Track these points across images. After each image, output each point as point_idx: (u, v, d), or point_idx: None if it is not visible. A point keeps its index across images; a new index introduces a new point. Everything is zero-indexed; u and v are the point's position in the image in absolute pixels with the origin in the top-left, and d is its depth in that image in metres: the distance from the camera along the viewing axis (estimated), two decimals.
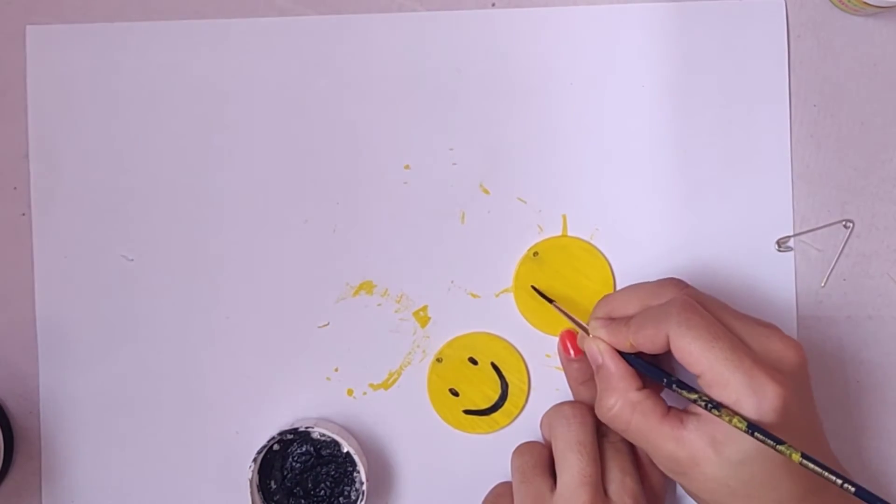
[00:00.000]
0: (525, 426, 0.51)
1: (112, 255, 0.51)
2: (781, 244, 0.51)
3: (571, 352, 0.50)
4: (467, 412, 0.51)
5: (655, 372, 0.44)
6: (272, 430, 0.49)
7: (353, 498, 0.49)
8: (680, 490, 0.51)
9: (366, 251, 0.51)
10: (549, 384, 0.51)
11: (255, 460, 0.48)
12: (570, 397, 0.50)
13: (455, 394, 0.51)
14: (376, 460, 0.51)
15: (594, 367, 0.46)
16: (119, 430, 0.51)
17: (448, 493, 0.51)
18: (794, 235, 0.51)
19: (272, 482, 0.49)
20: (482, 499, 0.49)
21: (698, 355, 0.41)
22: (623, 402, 0.43)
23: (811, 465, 0.38)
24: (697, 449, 0.41)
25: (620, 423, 0.44)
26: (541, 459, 0.47)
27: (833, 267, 0.51)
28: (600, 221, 0.52)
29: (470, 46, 0.51)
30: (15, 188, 0.51)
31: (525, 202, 0.52)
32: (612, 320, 0.46)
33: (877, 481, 0.52)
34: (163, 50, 0.51)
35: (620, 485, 0.45)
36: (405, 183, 0.52)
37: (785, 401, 0.40)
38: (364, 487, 0.48)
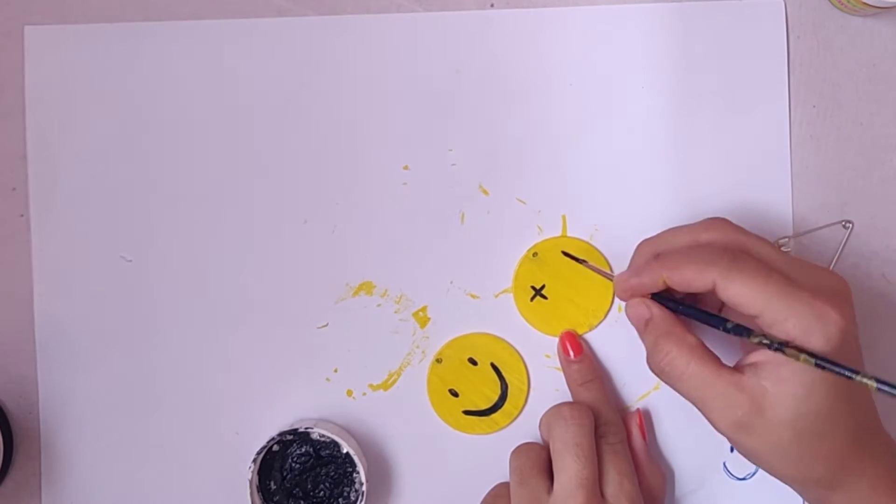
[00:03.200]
0: (524, 427, 0.51)
1: (111, 256, 0.51)
2: (781, 244, 0.51)
3: (571, 353, 0.50)
4: (467, 413, 0.51)
5: (708, 317, 0.43)
6: (272, 431, 0.49)
7: (353, 499, 0.49)
8: (679, 491, 0.51)
9: (365, 251, 0.51)
10: (548, 385, 0.51)
11: (254, 461, 0.48)
12: (570, 398, 0.50)
13: (455, 394, 0.51)
14: (376, 461, 0.51)
15: (641, 325, 0.44)
16: (119, 431, 0.51)
17: (448, 493, 0.51)
18: (794, 235, 0.51)
19: (272, 483, 0.49)
20: (481, 499, 0.49)
21: (754, 294, 0.40)
22: (680, 347, 0.42)
23: (887, 389, 0.37)
24: (760, 392, 0.40)
25: (676, 370, 0.42)
26: (538, 461, 0.47)
27: (833, 267, 0.51)
28: (600, 221, 0.52)
29: (469, 47, 0.51)
30: (13, 189, 0.51)
31: (524, 203, 0.52)
32: (642, 263, 0.45)
33: None
34: (162, 50, 0.51)
35: (617, 487, 0.45)
36: (404, 183, 0.51)
37: (847, 326, 0.39)
38: (364, 488, 0.48)
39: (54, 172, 0.51)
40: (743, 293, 0.40)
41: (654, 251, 0.45)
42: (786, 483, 0.42)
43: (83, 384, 0.51)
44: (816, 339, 0.39)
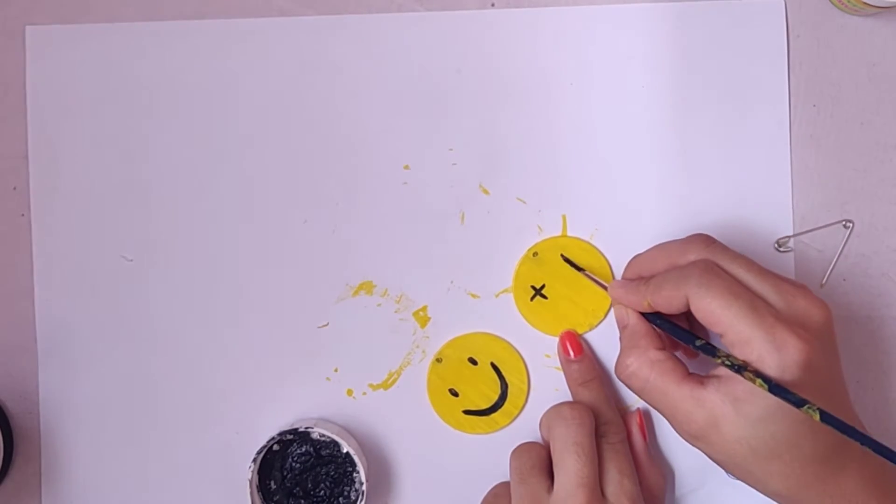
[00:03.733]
0: (524, 426, 0.51)
1: (112, 256, 0.51)
2: (781, 244, 0.51)
3: (571, 353, 0.50)
4: (467, 412, 0.51)
5: (679, 333, 0.44)
6: (272, 430, 0.49)
7: (353, 498, 0.49)
8: (679, 490, 0.51)
9: (365, 251, 0.51)
10: (548, 384, 0.51)
11: (254, 460, 0.48)
12: (570, 397, 0.50)
13: (455, 394, 0.51)
14: (376, 460, 0.51)
15: (620, 330, 0.46)
16: (119, 431, 0.51)
17: (448, 493, 0.51)
18: (794, 235, 0.51)
19: (272, 482, 0.49)
20: (481, 499, 0.49)
21: (719, 314, 0.41)
22: (642, 360, 0.44)
23: (831, 424, 0.38)
24: (717, 407, 0.41)
25: (638, 381, 0.44)
26: (538, 460, 0.47)
27: (833, 267, 0.51)
28: (600, 221, 0.52)
29: (470, 47, 0.51)
30: (14, 188, 0.51)
31: (525, 202, 0.52)
32: (634, 281, 0.46)
33: None
34: (162, 50, 0.51)
35: (618, 486, 0.45)
36: (405, 183, 0.51)
37: (808, 357, 0.39)
38: (364, 488, 0.48)
39: (55, 172, 0.51)
40: (711, 311, 0.41)
41: (639, 270, 0.47)
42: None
43: (83, 384, 0.51)
44: (771, 368, 0.40)
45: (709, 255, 0.44)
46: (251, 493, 0.48)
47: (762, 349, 0.40)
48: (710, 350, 0.42)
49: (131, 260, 0.52)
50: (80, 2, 0.51)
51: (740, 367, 0.40)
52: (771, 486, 0.42)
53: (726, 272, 0.43)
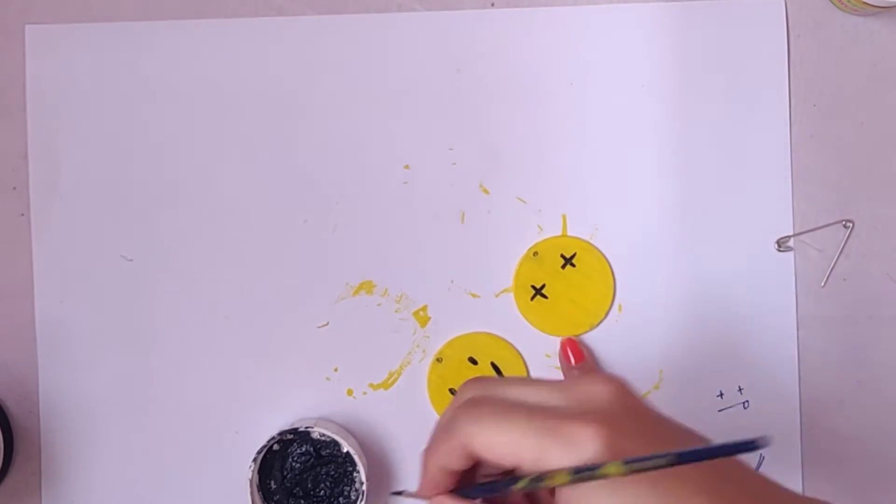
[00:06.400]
0: None
1: (112, 255, 0.51)
2: (781, 244, 0.51)
3: (572, 359, 0.50)
4: None
5: (488, 488, 0.38)
6: (272, 430, 0.49)
7: (353, 498, 0.49)
8: None
9: (365, 251, 0.51)
10: None
11: (255, 460, 0.48)
12: None
13: (455, 394, 0.51)
14: (376, 460, 0.51)
15: None
16: (118, 430, 0.51)
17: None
18: (794, 235, 0.51)
19: (272, 482, 0.49)
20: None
21: (499, 441, 0.36)
22: None
23: (635, 463, 0.33)
24: None
25: None
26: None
27: (833, 267, 0.51)
28: (600, 221, 0.52)
29: (470, 46, 0.51)
30: (14, 188, 0.51)
31: (525, 202, 0.52)
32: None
33: (878, 481, 0.52)
34: (162, 50, 0.51)
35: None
36: (405, 183, 0.51)
37: (604, 438, 0.35)
38: (364, 487, 0.48)
39: (55, 172, 0.51)
40: (489, 445, 0.36)
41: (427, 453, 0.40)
42: None
43: (83, 384, 0.51)
44: (573, 465, 0.35)
45: (478, 391, 0.39)
46: (251, 493, 0.48)
47: (556, 455, 0.35)
48: (512, 482, 0.36)
49: (131, 260, 0.51)
50: (80, 2, 0.51)
51: (539, 478, 0.35)
52: None
53: (498, 399, 0.38)
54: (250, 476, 0.48)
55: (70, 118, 0.51)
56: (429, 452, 0.39)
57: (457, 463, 0.38)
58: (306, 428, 0.48)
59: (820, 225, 0.51)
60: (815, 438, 0.51)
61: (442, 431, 0.38)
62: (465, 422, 0.37)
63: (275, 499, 0.49)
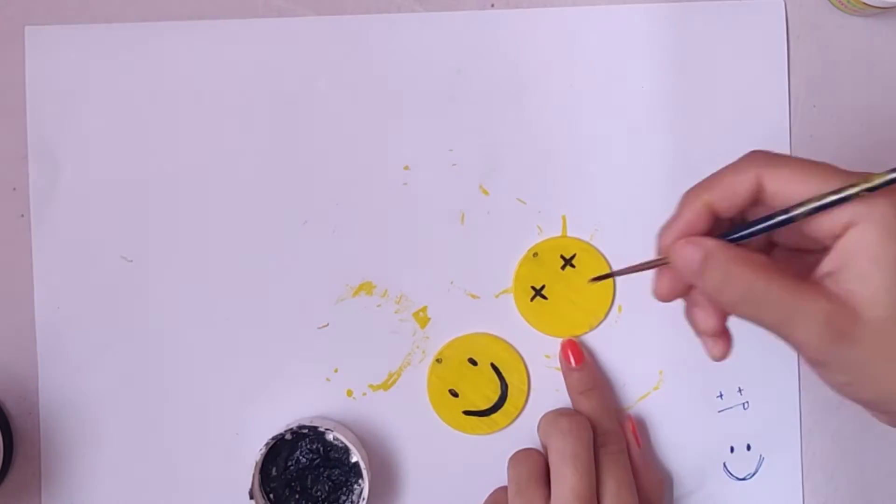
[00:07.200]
0: (525, 427, 0.51)
1: (111, 256, 0.51)
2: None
3: (573, 361, 0.50)
4: (467, 413, 0.51)
5: (774, 218, 0.36)
6: (272, 431, 0.49)
7: None
8: (677, 492, 0.51)
9: (365, 252, 0.51)
10: (548, 385, 0.51)
11: (267, 444, 0.48)
12: (570, 399, 0.50)
13: (455, 394, 0.51)
14: (376, 460, 0.51)
15: (698, 268, 0.36)
16: (118, 431, 0.51)
17: (447, 493, 0.51)
18: None
19: (274, 469, 0.49)
20: (480, 500, 0.49)
21: (806, 171, 0.35)
22: (755, 269, 0.35)
23: None
24: (850, 295, 0.33)
25: (756, 296, 0.34)
26: (536, 470, 0.47)
27: None
28: (600, 221, 0.52)
29: (470, 47, 0.51)
30: (14, 189, 0.51)
31: (525, 203, 0.52)
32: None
33: (878, 481, 0.52)
34: (162, 50, 0.51)
35: (615, 497, 0.45)
36: (405, 183, 0.51)
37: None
38: (364, 503, 0.48)
39: (55, 172, 0.51)
40: (791, 181, 0.35)
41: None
42: None
43: (83, 384, 0.51)
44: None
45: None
46: (254, 474, 0.48)
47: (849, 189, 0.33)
48: (823, 203, 0.34)
49: (131, 260, 0.51)
50: (80, 2, 0.51)
51: (857, 186, 0.33)
52: None
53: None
54: (258, 458, 0.48)
55: (70, 118, 0.51)
56: (700, 187, 0.37)
57: (734, 194, 0.36)
58: (325, 429, 0.48)
59: None
60: (814, 438, 0.51)
61: (728, 168, 0.36)
62: (765, 161, 0.35)
63: (271, 485, 0.49)
